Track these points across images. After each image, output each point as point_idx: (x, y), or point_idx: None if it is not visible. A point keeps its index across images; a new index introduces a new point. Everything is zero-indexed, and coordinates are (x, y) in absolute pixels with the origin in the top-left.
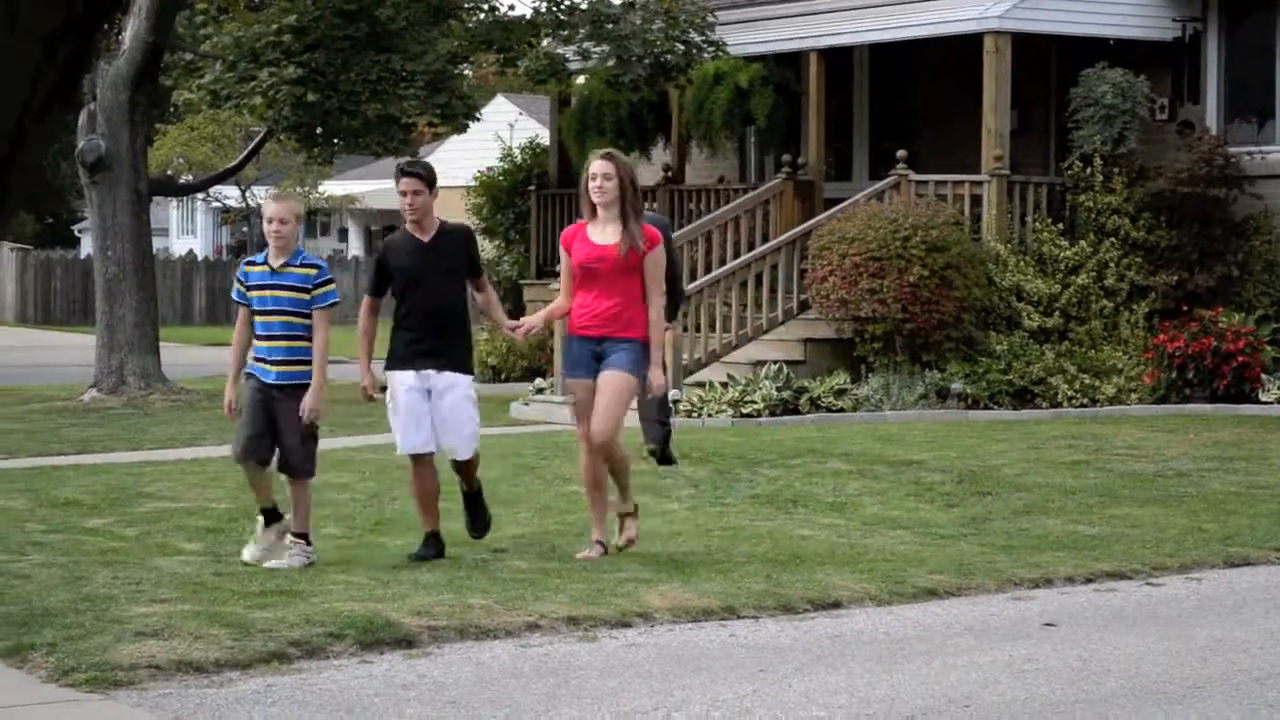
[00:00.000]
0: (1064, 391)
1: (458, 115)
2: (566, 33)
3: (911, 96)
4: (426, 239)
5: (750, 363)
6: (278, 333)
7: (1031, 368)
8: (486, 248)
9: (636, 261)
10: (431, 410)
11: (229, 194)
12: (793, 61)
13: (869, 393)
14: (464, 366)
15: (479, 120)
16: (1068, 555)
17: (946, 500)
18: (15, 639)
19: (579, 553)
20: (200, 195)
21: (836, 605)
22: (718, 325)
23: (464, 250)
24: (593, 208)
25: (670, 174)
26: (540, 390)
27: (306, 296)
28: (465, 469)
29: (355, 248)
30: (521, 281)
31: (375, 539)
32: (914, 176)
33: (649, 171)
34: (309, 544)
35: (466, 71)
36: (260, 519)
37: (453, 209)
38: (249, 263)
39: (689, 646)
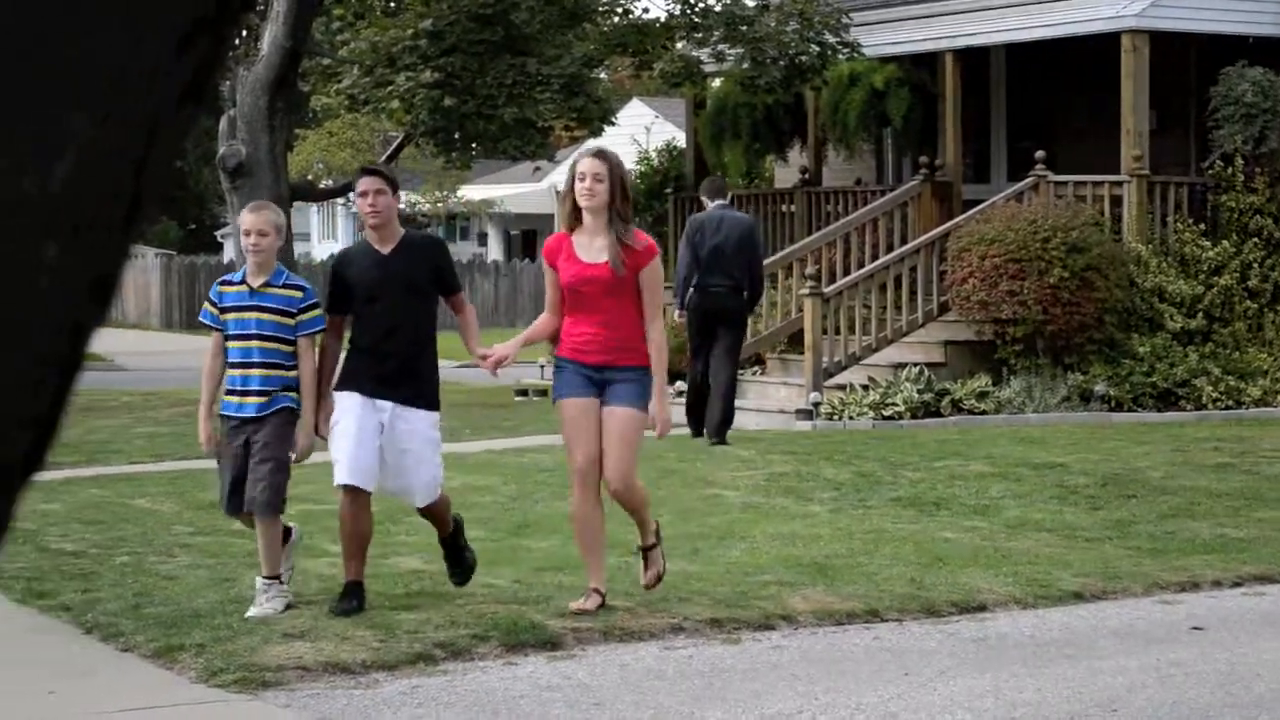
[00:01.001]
0: (1208, 393)
1: (593, 118)
2: (701, 35)
3: (1048, 96)
4: (386, 250)
5: (890, 365)
6: (256, 360)
7: (1175, 370)
8: None
9: (631, 278)
10: (383, 446)
11: None
12: (928, 62)
13: (1011, 395)
14: (427, 401)
15: (614, 124)
16: (1215, 559)
17: (1091, 503)
18: (165, 640)
19: (573, 604)
20: (340, 200)
21: (981, 608)
22: (857, 328)
23: (430, 264)
24: (577, 214)
25: (807, 176)
26: (680, 394)
27: (290, 321)
28: (432, 515)
29: (495, 252)
30: (665, 285)
31: (519, 541)
32: (1053, 177)
33: (785, 174)
34: (283, 583)
35: (602, 75)
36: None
37: None
38: (223, 282)
39: (832, 649)
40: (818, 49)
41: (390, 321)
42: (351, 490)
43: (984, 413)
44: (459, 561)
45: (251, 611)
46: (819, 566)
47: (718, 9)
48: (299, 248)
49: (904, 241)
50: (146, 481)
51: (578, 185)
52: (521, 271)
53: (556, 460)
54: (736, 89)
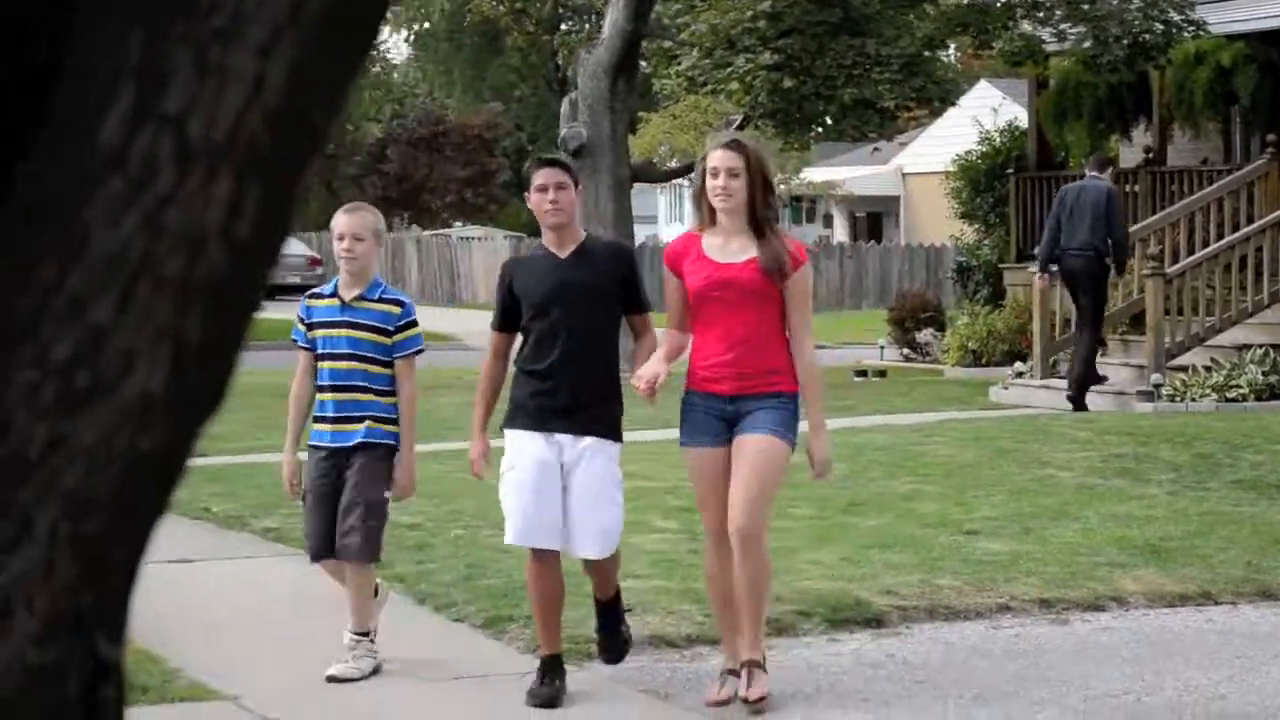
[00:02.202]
0: None
1: (933, 99)
2: (1042, 14)
3: None
4: (564, 255)
5: (1234, 346)
6: (355, 383)
7: None
8: (966, 232)
9: (775, 287)
10: (564, 489)
11: None
12: (1276, 39)
13: None
14: (607, 430)
15: (954, 104)
16: None
17: None
18: (494, 611)
19: (708, 696)
20: (684, 182)
21: None
22: (1200, 308)
23: (615, 273)
24: (711, 213)
25: (1151, 156)
26: (1019, 374)
27: (388, 341)
28: (597, 570)
29: (840, 234)
30: (1001, 265)
31: (848, 519)
32: None
33: (1130, 154)
34: (372, 641)
35: (949, 56)
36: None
37: (935, 195)
38: (312, 295)
39: (1163, 631)
40: (1162, 27)
41: (564, 339)
42: (536, 551)
43: None
44: (614, 633)
45: (333, 670)
46: (1152, 548)
47: None
48: (645, 230)
49: (1250, 221)
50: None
51: (710, 183)
52: (867, 254)
53: (891, 439)
54: (1079, 68)
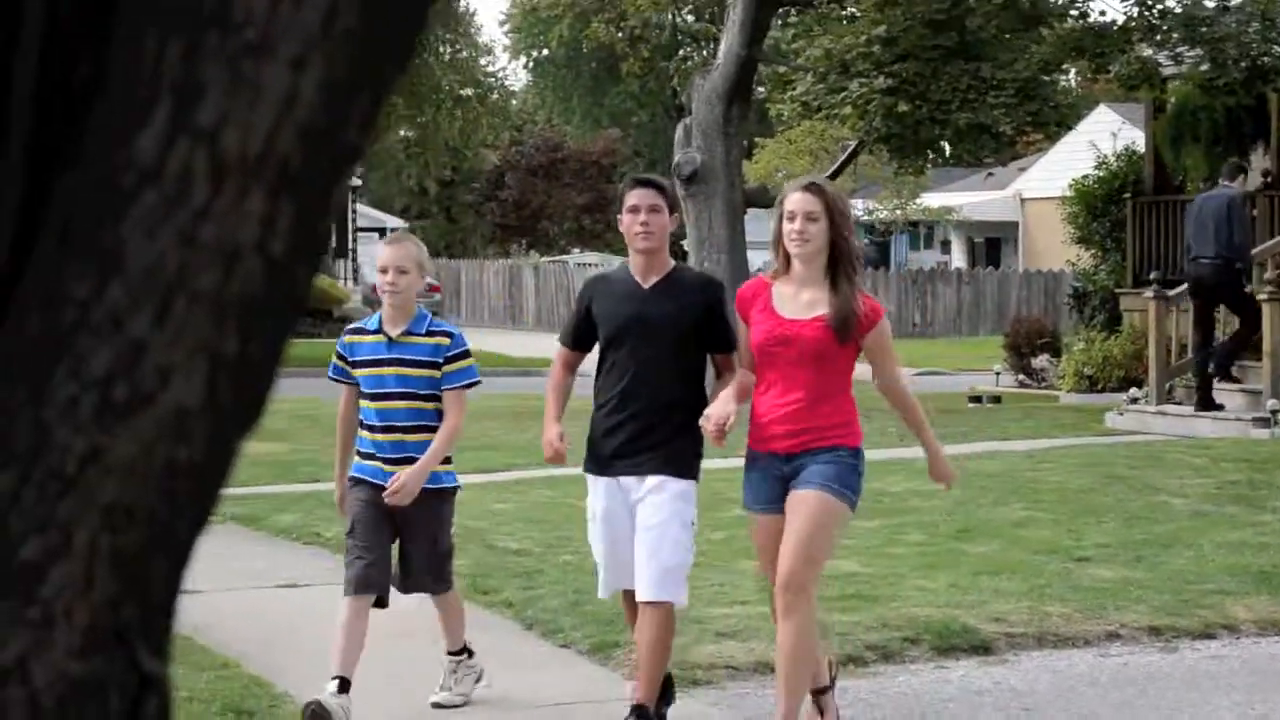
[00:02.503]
0: None
1: (1049, 123)
2: (1159, 37)
3: None
4: (649, 284)
5: None
6: (401, 423)
7: None
8: (1082, 257)
9: (841, 346)
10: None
11: None
12: None
13: None
14: (677, 467)
15: (1070, 129)
16: None
17: None
18: (601, 636)
19: None
20: None
21: None
22: None
23: (699, 308)
24: (787, 259)
25: (1270, 179)
26: (1134, 400)
27: (438, 374)
28: (651, 628)
29: (957, 259)
30: (1118, 290)
31: (957, 546)
32: None
33: (1248, 177)
34: (470, 655)
35: (1068, 80)
36: (332, 684)
37: (1054, 221)
38: (354, 331)
39: (1274, 660)
40: None
41: (632, 373)
42: (627, 593)
43: None
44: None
45: (436, 698)
46: (1265, 575)
47: (1177, 10)
48: (760, 256)
49: None
50: None
51: (785, 226)
52: (984, 280)
53: (1003, 466)
54: (1196, 91)
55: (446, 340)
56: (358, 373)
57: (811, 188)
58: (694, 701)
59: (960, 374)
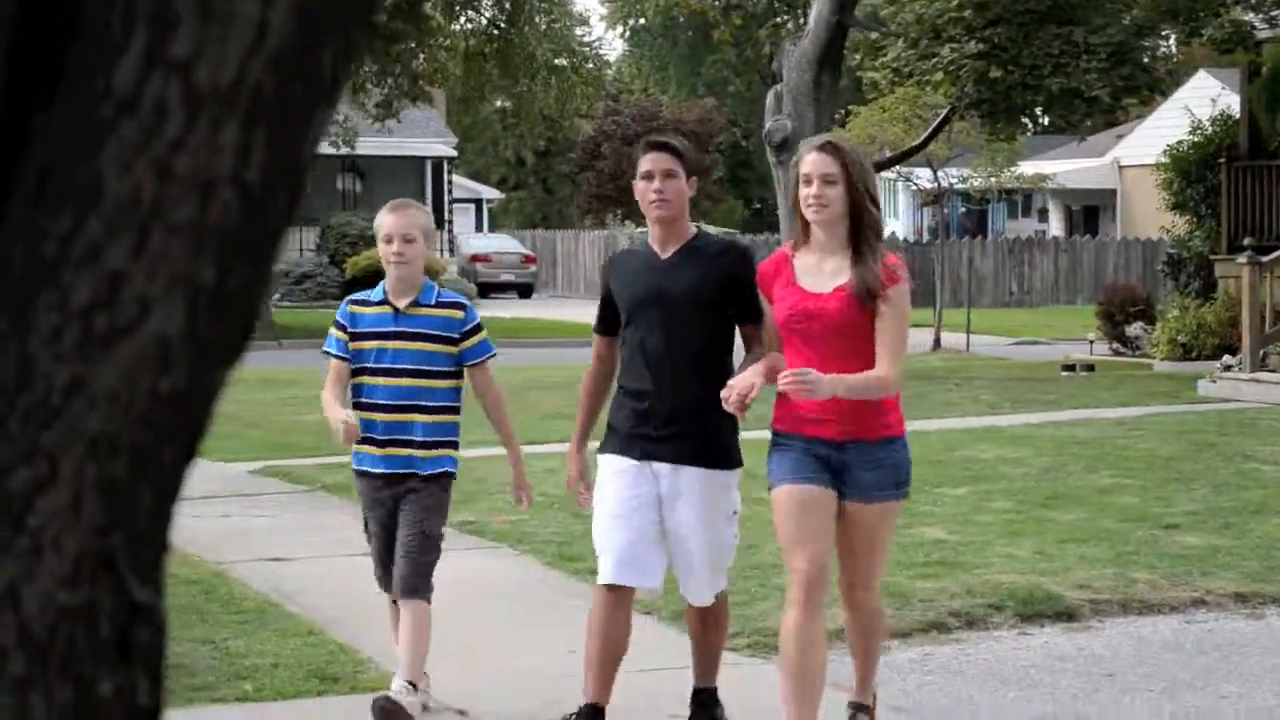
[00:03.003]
0: None
1: (1140, 87)
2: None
3: None
4: (666, 254)
5: None
6: (413, 402)
7: None
8: (1177, 223)
9: (869, 316)
10: (664, 525)
11: (922, 174)
12: None
13: None
14: (716, 456)
15: (1166, 94)
16: None
17: None
18: (682, 605)
19: None
20: (894, 176)
21: None
22: None
23: (722, 276)
24: (806, 228)
25: None
26: (1228, 367)
27: (452, 350)
28: (702, 620)
29: (1055, 228)
30: (1213, 257)
31: (1045, 513)
32: None
33: None
34: (423, 691)
35: (1166, 46)
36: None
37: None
38: (356, 301)
39: None
40: None
41: (658, 351)
42: (614, 589)
43: None
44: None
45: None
46: None
47: None
48: None
49: None
50: None
51: (802, 191)
52: (1082, 248)
53: (1093, 433)
54: None
55: (459, 314)
56: (360, 346)
57: (827, 147)
58: (774, 668)
59: (1057, 343)
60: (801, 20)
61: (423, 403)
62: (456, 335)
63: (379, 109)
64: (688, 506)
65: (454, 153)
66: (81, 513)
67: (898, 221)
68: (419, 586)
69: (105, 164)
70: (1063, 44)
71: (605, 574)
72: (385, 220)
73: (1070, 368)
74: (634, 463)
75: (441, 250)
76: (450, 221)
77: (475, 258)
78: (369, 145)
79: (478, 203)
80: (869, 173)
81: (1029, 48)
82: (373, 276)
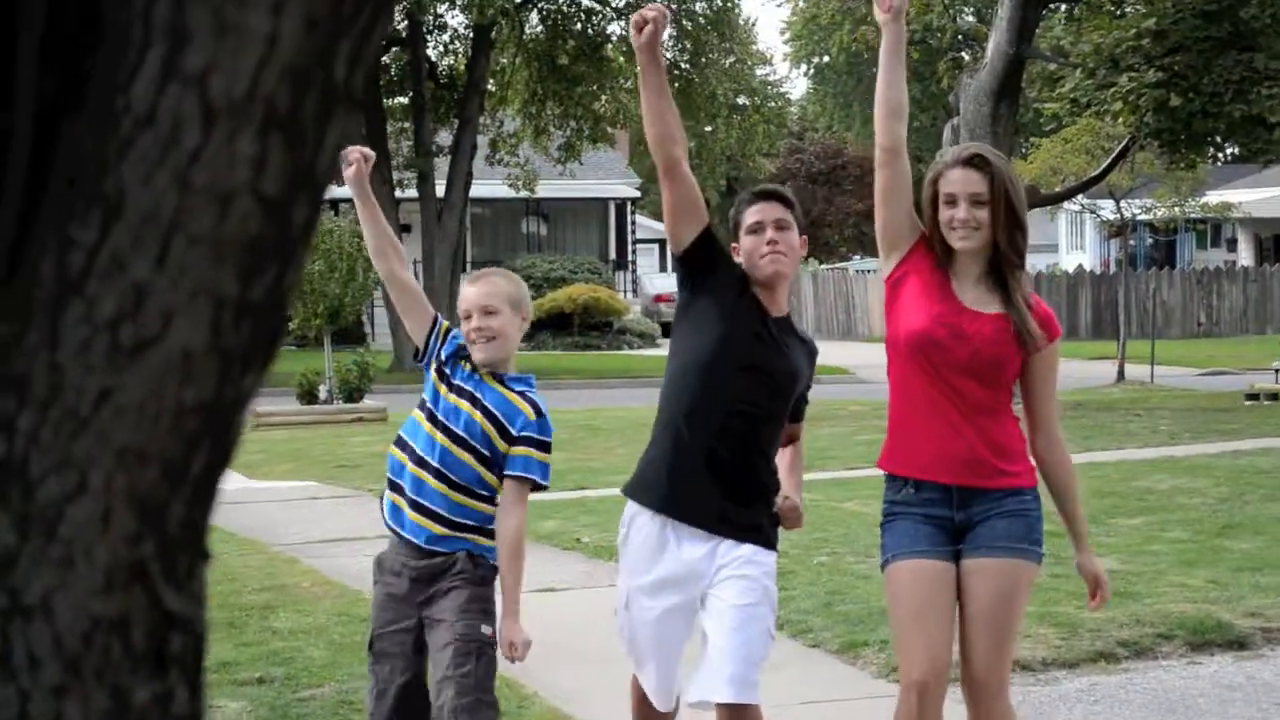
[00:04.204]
0: None
1: None
2: None
3: None
4: (775, 313)
5: None
6: (463, 481)
7: None
8: None
9: (1023, 357)
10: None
11: (1105, 205)
12: None
13: None
14: (768, 537)
15: None
16: None
17: None
18: (849, 636)
19: None
20: (1079, 207)
21: None
22: None
23: (809, 365)
24: (946, 251)
25: None
26: None
27: (502, 445)
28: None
29: (1245, 257)
30: None
31: (1220, 543)
32: None
33: None
34: None
35: None
36: None
37: None
38: (460, 340)
39: None
40: None
41: (745, 412)
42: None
43: None
44: None
45: None
46: None
47: None
48: (1042, 260)
49: None
50: (858, 486)
51: (944, 213)
52: (1272, 277)
53: (1274, 463)
54: None
55: (531, 412)
56: (440, 388)
57: (976, 161)
58: None
59: (1245, 373)
60: (979, 53)
61: (457, 479)
62: (514, 431)
63: (561, 151)
64: (740, 585)
65: (637, 193)
66: (112, 523)
67: (1084, 254)
68: (474, 710)
69: (127, 175)
70: (1243, 70)
71: (661, 696)
72: (463, 293)
73: (1254, 397)
74: (707, 535)
75: (625, 292)
76: (634, 262)
77: (659, 298)
78: (552, 188)
79: (661, 243)
80: (1020, 189)
81: (1209, 75)
82: (558, 317)
